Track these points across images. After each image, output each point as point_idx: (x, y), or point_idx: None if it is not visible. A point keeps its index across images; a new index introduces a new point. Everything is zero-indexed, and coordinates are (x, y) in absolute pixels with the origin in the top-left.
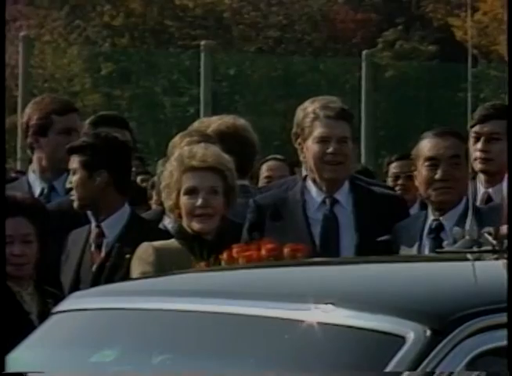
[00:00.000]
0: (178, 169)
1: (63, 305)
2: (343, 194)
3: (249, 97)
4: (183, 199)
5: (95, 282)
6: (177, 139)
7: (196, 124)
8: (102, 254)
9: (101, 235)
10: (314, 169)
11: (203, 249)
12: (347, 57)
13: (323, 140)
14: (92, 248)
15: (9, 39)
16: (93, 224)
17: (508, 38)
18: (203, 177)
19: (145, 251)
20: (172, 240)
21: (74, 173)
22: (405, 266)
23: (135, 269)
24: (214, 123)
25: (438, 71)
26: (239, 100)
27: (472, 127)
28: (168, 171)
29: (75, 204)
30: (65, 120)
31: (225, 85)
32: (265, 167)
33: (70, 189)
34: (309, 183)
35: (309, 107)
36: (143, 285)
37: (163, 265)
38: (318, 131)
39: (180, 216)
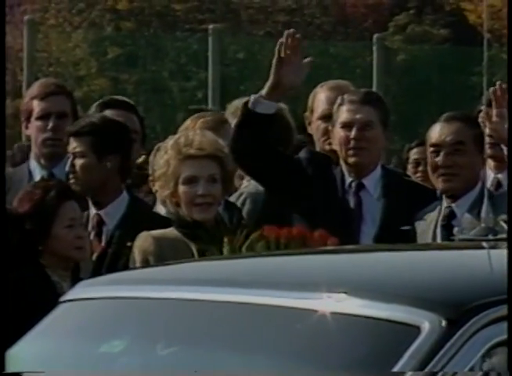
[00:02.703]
0: (175, 158)
1: (71, 294)
2: (372, 180)
3: (258, 81)
4: (182, 188)
5: (97, 271)
6: (189, 122)
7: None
8: (103, 242)
9: (101, 223)
10: (339, 154)
11: (204, 237)
12: (358, 41)
13: (347, 125)
14: (92, 236)
15: (13, 23)
16: (92, 211)
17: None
18: (202, 165)
19: (144, 240)
20: (170, 229)
21: (81, 156)
22: (420, 255)
23: (136, 259)
24: None
25: (451, 55)
26: (248, 85)
27: (480, 111)
28: (164, 160)
29: (76, 190)
30: (43, 104)
31: (233, 69)
32: None
33: (72, 172)
34: (343, 166)
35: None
36: (153, 274)
37: (163, 255)
38: (342, 116)
39: (178, 205)
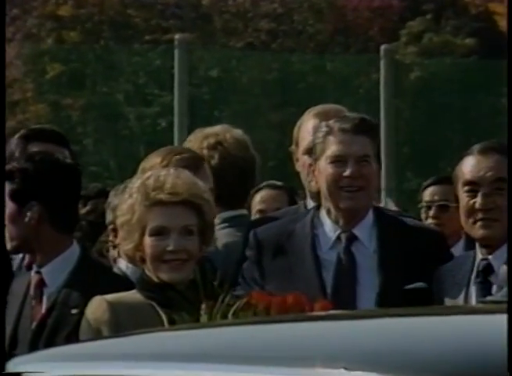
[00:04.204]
0: (141, 203)
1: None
2: (364, 229)
3: (236, 106)
4: (148, 241)
5: (34, 343)
6: (155, 157)
7: (191, 138)
8: (43, 308)
9: (41, 284)
10: (328, 196)
11: (176, 302)
12: (362, 54)
13: (339, 160)
14: (33, 301)
15: None
16: (33, 270)
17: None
18: (175, 214)
19: (97, 307)
20: (132, 292)
21: (4, 206)
22: (437, 320)
23: (86, 329)
24: (211, 136)
25: (477, 70)
26: (223, 110)
27: None
28: (128, 205)
29: (7, 246)
30: None
31: (205, 91)
32: (258, 197)
33: (3, 225)
34: (322, 214)
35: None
36: (109, 347)
37: (120, 325)
38: (332, 149)
39: (143, 261)
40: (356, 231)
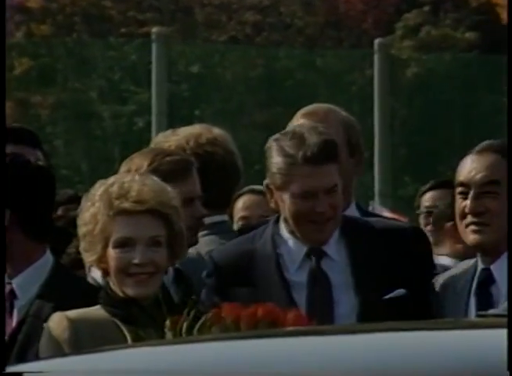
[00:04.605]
0: (104, 213)
1: None
2: (331, 242)
3: (218, 104)
4: (112, 253)
5: (6, 359)
6: (142, 159)
7: (160, 138)
8: (14, 322)
9: (12, 296)
10: (294, 229)
11: (140, 318)
12: (354, 49)
13: (307, 196)
14: (6, 314)
15: None
16: (6, 281)
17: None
18: (141, 224)
19: (58, 324)
20: (96, 308)
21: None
22: (429, 336)
23: (44, 348)
24: (189, 137)
25: (478, 66)
26: (205, 108)
27: None
28: (91, 214)
29: None
30: None
31: (185, 88)
32: (240, 203)
33: None
34: (283, 230)
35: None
36: (73, 364)
37: (81, 343)
38: (297, 184)
39: (107, 273)
40: (324, 246)
